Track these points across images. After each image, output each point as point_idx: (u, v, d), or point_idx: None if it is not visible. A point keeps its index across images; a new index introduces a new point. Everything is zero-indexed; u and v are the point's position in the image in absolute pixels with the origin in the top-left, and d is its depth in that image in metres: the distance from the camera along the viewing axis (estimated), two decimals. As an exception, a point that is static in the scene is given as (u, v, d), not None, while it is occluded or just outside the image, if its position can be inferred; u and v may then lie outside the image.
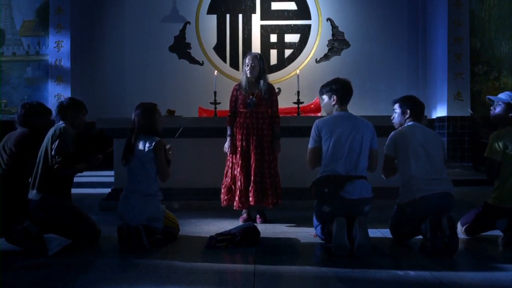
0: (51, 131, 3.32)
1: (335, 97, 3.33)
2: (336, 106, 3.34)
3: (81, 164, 3.36)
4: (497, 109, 3.42)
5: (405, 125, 3.38)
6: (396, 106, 3.45)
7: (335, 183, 3.11)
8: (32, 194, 3.27)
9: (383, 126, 4.03)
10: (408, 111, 3.38)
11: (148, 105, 3.49)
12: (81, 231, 3.31)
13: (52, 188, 3.25)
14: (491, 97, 3.52)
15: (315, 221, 3.34)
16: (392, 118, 3.50)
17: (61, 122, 3.39)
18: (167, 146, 3.51)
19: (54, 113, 3.48)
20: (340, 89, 3.33)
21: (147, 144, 3.32)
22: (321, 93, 3.43)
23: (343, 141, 3.17)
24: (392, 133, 3.38)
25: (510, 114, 3.35)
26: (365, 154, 3.22)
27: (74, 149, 3.28)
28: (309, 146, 3.32)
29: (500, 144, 3.28)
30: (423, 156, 3.21)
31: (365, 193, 3.15)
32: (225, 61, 8.98)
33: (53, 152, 3.20)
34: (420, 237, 3.22)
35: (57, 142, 3.21)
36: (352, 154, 3.16)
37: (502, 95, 3.44)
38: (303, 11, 8.98)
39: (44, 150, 3.29)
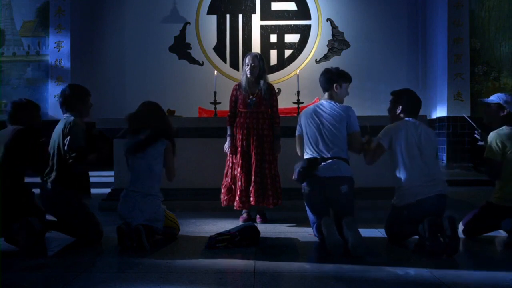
0: (60, 125, 3.33)
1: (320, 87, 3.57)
2: (323, 94, 3.55)
3: (92, 155, 3.35)
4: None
5: (402, 120, 3.37)
6: (392, 98, 3.49)
7: (310, 164, 3.28)
8: (47, 186, 3.31)
9: (383, 126, 4.02)
10: (400, 106, 3.39)
11: (154, 104, 3.50)
12: (86, 229, 3.32)
13: (66, 183, 3.28)
14: (484, 100, 3.56)
15: (309, 216, 3.38)
16: (387, 108, 3.52)
17: (68, 114, 3.38)
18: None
19: (58, 103, 3.45)
20: (320, 78, 3.54)
21: (159, 146, 3.34)
22: None
23: (315, 128, 3.37)
24: (388, 126, 3.39)
25: (502, 114, 3.38)
26: (338, 139, 3.33)
27: (85, 141, 3.29)
28: (296, 133, 3.58)
29: (499, 144, 3.29)
30: (418, 157, 3.21)
31: (338, 172, 3.23)
32: (225, 61, 8.99)
33: (66, 148, 3.22)
34: (416, 237, 3.22)
35: (68, 138, 3.22)
36: (322, 139, 3.33)
37: (493, 97, 3.49)
38: (303, 12, 8.99)
39: (56, 144, 3.30)
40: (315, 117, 3.39)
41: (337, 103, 3.43)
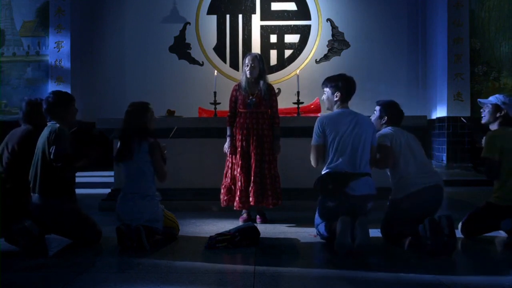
0: (45, 133, 3.24)
1: (338, 94, 3.36)
2: (338, 102, 3.39)
3: (80, 162, 3.30)
4: (486, 111, 3.51)
5: (387, 128, 3.46)
6: (377, 108, 3.56)
7: (340, 179, 3.14)
8: (34, 198, 3.23)
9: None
10: (386, 117, 3.50)
11: (140, 104, 3.46)
12: (83, 233, 3.29)
13: (54, 192, 3.21)
14: (481, 100, 3.60)
15: (317, 219, 3.36)
16: (372, 116, 3.59)
17: (53, 121, 3.30)
18: (162, 144, 3.50)
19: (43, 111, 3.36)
20: (344, 87, 3.37)
21: (142, 147, 3.31)
22: (325, 85, 3.45)
23: (347, 138, 3.21)
24: (380, 132, 3.45)
25: (498, 115, 3.42)
26: (367, 151, 3.26)
27: (72, 148, 3.23)
28: (313, 143, 3.33)
29: (497, 143, 3.32)
30: (411, 157, 3.31)
31: (368, 190, 3.19)
32: (225, 61, 8.99)
33: (52, 157, 3.15)
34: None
35: (54, 147, 3.14)
36: (355, 150, 3.20)
37: (492, 98, 3.53)
38: (303, 12, 8.99)
39: (41, 153, 3.22)
40: (350, 126, 3.23)
41: (362, 115, 3.39)
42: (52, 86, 8.22)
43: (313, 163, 3.35)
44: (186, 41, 9.02)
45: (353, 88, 3.42)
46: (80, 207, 3.38)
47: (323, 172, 3.27)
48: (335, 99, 3.37)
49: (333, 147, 3.22)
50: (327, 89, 3.42)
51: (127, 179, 3.37)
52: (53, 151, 3.15)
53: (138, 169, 3.32)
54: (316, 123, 3.33)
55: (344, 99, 3.38)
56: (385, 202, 3.50)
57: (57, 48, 8.30)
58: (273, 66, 8.90)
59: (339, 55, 8.98)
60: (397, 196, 3.31)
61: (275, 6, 8.99)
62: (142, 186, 3.32)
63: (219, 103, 5.50)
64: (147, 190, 3.33)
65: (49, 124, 3.32)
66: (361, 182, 3.14)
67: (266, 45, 8.96)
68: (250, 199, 3.96)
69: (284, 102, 6.34)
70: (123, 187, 3.42)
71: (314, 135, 3.32)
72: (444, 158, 8.08)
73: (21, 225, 3.06)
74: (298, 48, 8.99)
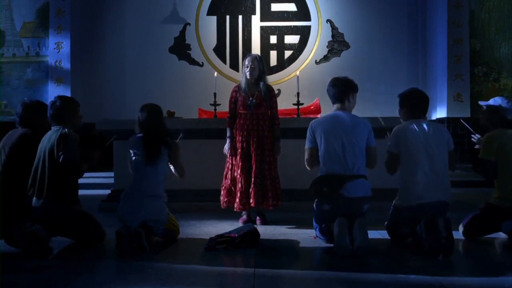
0: (53, 137, 3.21)
1: (329, 97, 3.40)
2: (332, 104, 3.40)
3: (85, 165, 3.30)
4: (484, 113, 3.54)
5: (406, 122, 3.37)
6: (398, 101, 3.48)
7: (335, 182, 3.14)
8: (39, 202, 3.19)
9: (382, 127, 4.02)
10: (403, 109, 3.41)
11: (155, 106, 3.54)
12: (88, 234, 3.29)
13: (60, 195, 3.20)
14: (482, 102, 3.64)
15: (315, 222, 3.35)
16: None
17: (60, 127, 3.27)
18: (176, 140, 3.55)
19: (49, 115, 3.35)
20: (331, 90, 3.38)
21: (163, 146, 3.36)
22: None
23: (338, 141, 3.20)
24: (395, 128, 3.37)
25: (497, 117, 3.43)
26: (361, 153, 3.24)
27: (78, 153, 3.23)
28: (305, 146, 3.38)
29: (494, 144, 3.32)
30: (424, 158, 3.18)
31: (364, 192, 3.18)
32: (225, 62, 8.98)
33: (61, 161, 3.13)
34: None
35: (63, 152, 3.12)
36: (347, 153, 3.19)
37: (491, 100, 3.53)
38: (303, 13, 8.98)
39: (48, 157, 3.18)
40: (339, 129, 3.22)
41: (357, 116, 3.36)
42: (52, 87, 8.23)
43: (307, 166, 3.40)
44: (186, 42, 9.02)
45: (342, 89, 3.34)
46: (82, 207, 3.37)
47: (318, 175, 3.28)
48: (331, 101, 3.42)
49: (325, 150, 3.23)
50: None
51: (137, 176, 3.37)
52: (62, 156, 3.13)
53: (155, 168, 3.34)
54: (308, 127, 3.36)
55: (336, 101, 3.36)
56: (383, 203, 3.50)
57: (57, 49, 8.30)
58: (273, 67, 8.90)
59: (339, 56, 8.98)
60: (400, 203, 3.28)
61: (275, 7, 8.99)
62: (152, 185, 3.34)
63: (219, 104, 5.49)
64: (155, 189, 3.36)
65: (55, 128, 3.29)
66: (356, 184, 3.14)
67: (266, 46, 8.96)
68: (251, 200, 3.96)
69: (284, 103, 6.33)
70: (131, 185, 3.40)
71: (306, 139, 3.36)
72: (444, 159, 8.06)
73: (28, 229, 3.05)
74: (298, 49, 8.99)
